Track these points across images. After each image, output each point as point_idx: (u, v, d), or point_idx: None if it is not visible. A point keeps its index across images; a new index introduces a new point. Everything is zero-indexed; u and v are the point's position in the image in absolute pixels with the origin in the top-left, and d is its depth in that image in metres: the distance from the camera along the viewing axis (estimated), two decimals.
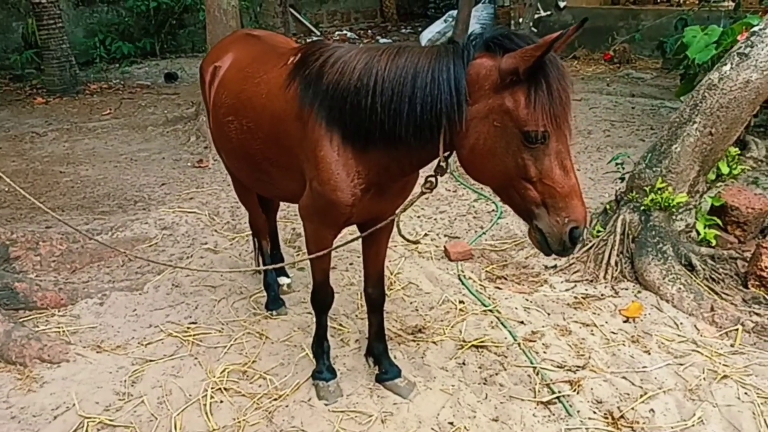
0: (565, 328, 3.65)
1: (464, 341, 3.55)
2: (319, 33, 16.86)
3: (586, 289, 4.03)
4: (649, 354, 3.41)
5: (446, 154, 2.42)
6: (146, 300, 4.14)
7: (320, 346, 3.21)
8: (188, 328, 3.80)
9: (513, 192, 2.30)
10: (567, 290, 4.03)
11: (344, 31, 16.99)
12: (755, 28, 3.89)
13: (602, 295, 3.96)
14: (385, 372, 3.21)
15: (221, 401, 3.16)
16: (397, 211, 2.68)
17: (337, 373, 3.29)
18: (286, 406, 3.12)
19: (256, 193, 3.73)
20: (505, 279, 4.23)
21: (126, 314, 3.99)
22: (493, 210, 5.31)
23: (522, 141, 2.16)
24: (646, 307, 3.81)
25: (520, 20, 8.82)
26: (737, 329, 3.54)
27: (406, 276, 4.31)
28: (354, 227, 3.13)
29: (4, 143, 8.05)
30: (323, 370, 3.20)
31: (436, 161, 2.44)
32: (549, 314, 3.81)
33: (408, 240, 2.79)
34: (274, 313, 3.90)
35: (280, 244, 4.36)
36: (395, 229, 2.77)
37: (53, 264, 4.57)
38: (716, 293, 3.86)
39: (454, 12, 13.47)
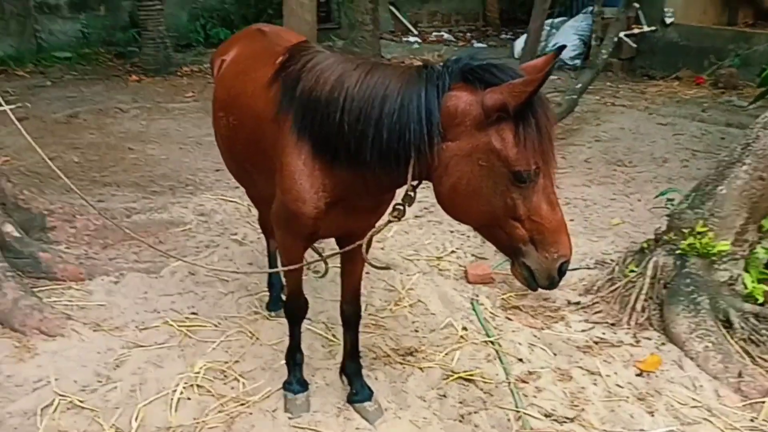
0: (567, 373, 3.36)
1: (452, 372, 3.35)
2: (416, 32, 16.77)
3: (604, 333, 3.70)
4: (653, 416, 3.07)
5: (414, 183, 2.29)
6: (159, 284, 4.20)
7: (292, 357, 3.12)
8: (187, 318, 3.82)
9: (498, 231, 2.18)
10: (583, 331, 3.72)
11: (442, 33, 16.80)
12: None
13: (620, 342, 3.61)
14: (356, 393, 3.07)
15: (189, 398, 3.14)
16: (363, 240, 2.51)
17: (310, 387, 3.19)
18: (250, 414, 3.05)
19: None
20: (520, 310, 3.97)
21: (135, 296, 4.06)
22: None
23: (511, 180, 2.03)
24: (666, 362, 3.44)
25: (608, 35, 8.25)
26: (765, 401, 3.13)
27: (417, 293, 4.13)
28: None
29: (89, 116, 8.51)
30: (293, 382, 3.11)
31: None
32: (555, 355, 3.53)
33: (375, 266, 2.65)
34: (273, 314, 3.84)
35: None
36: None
37: (86, 238, 4.74)
38: (752, 357, 3.44)
39: (555, 20, 13.03)
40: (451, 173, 2.11)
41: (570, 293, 4.13)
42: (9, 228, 4.21)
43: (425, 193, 5.68)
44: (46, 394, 3.13)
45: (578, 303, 4.01)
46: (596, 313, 3.86)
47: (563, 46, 2.14)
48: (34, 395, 3.13)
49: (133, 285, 4.17)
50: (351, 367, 3.10)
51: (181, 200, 5.59)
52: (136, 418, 2.98)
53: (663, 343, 3.59)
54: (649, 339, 3.64)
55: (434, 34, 17.02)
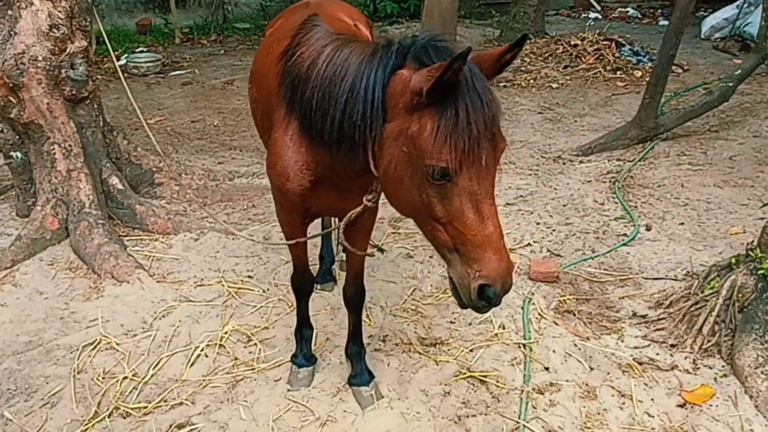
0: (593, 391, 3.03)
1: (468, 370, 3.17)
2: (599, 8, 15.71)
3: (658, 354, 3.26)
4: None
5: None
6: (232, 245, 4.45)
7: (299, 331, 3.15)
8: (241, 280, 4.01)
9: (425, 229, 2.01)
10: (635, 348, 3.32)
11: (627, 9, 15.53)
12: None
13: (673, 365, 3.17)
14: (354, 376, 3.04)
15: (207, 356, 3.31)
16: (340, 223, 2.47)
17: (321, 363, 3.23)
18: (254, 379, 3.15)
19: None
20: (574, 315, 3.62)
21: (207, 254, 4.34)
22: (625, 234, 4.54)
23: (425, 174, 1.83)
24: (719, 396, 2.97)
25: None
26: None
27: None
28: None
29: (242, 83, 9.12)
30: (299, 356, 3.15)
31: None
32: (591, 369, 3.19)
33: (348, 247, 2.58)
34: (318, 287, 3.89)
35: None
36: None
37: (188, 196, 5.13)
38: None
39: None
40: (385, 155, 1.96)
41: (640, 304, 3.70)
42: (115, 180, 4.69)
43: (528, 180, 5.39)
44: (93, 333, 3.49)
45: (644, 316, 3.57)
46: (658, 330, 3.42)
47: (525, 36, 1.86)
48: (83, 332, 3.50)
49: (209, 244, 4.46)
50: (352, 349, 3.06)
51: None
52: (155, 366, 3.22)
53: (725, 375, 3.09)
54: (710, 368, 3.15)
55: (619, 10, 15.82)
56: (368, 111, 1.97)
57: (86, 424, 2.85)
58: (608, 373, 3.16)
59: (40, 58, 4.17)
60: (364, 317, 3.58)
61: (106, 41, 4.58)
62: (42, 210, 4.33)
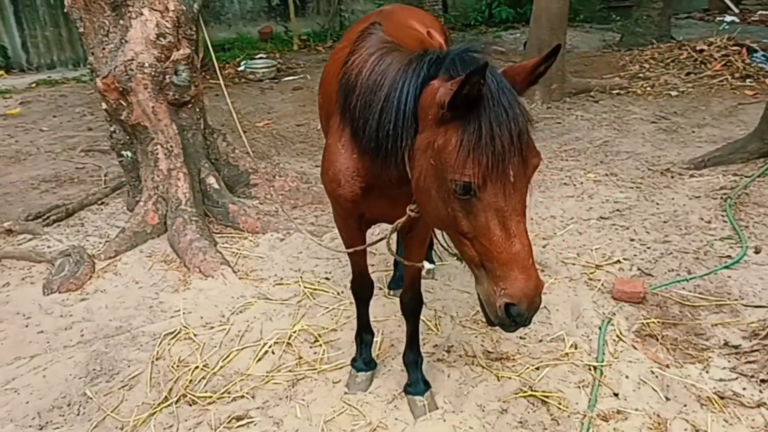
0: (664, 423, 2.80)
1: (530, 388, 3.05)
2: (736, 11, 14.62)
3: (745, 389, 2.97)
4: None
5: None
6: (315, 246, 4.55)
7: (359, 336, 3.17)
8: (318, 282, 4.09)
9: (456, 244, 1.99)
10: (719, 380, 3.04)
11: None
12: None
13: (760, 402, 2.87)
14: (410, 384, 3.01)
15: (273, 353, 3.41)
16: (389, 232, 2.45)
17: (382, 369, 3.24)
18: (314, 379, 3.20)
19: None
20: (656, 340, 3.38)
21: (290, 254, 4.48)
22: (729, 256, 4.17)
23: (451, 188, 1.82)
24: None
25: None
26: None
27: (547, 299, 3.79)
28: None
29: None
30: (358, 360, 3.17)
31: None
32: (666, 400, 2.96)
33: (399, 258, 2.59)
34: (391, 293, 3.90)
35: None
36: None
37: (281, 197, 5.32)
38: None
39: None
40: (416, 167, 1.96)
41: (734, 333, 3.39)
42: (212, 180, 4.95)
43: (628, 194, 5.12)
44: (175, 323, 3.69)
45: (737, 347, 3.27)
46: (749, 363, 3.11)
47: (559, 46, 1.79)
48: (167, 322, 3.71)
49: (294, 244, 4.59)
50: (409, 357, 3.03)
51: None
52: (225, 359, 3.36)
53: None
54: None
55: (759, 12, 14.63)
56: (400, 121, 2.00)
57: (155, 408, 3.02)
58: (685, 405, 2.91)
59: (146, 64, 4.48)
60: (432, 326, 3.58)
61: (210, 50, 4.86)
62: (144, 205, 4.65)
